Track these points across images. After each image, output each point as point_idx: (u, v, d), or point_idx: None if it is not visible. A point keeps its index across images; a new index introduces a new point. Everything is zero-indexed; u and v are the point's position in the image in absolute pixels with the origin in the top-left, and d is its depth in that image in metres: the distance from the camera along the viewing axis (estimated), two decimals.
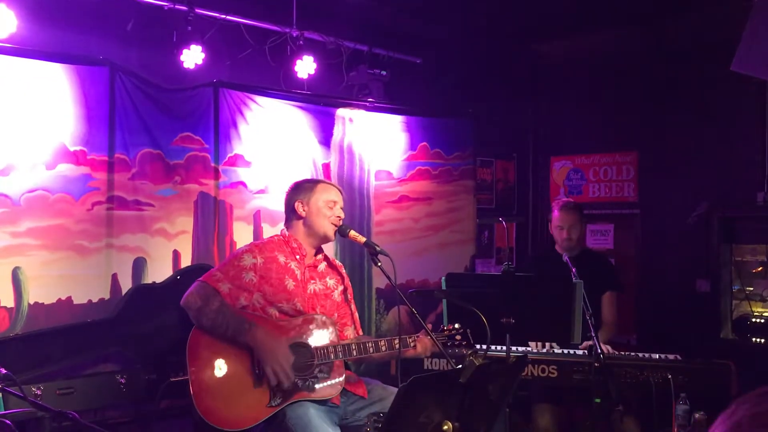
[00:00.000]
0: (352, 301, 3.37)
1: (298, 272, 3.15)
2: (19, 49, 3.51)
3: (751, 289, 5.09)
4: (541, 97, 6.35)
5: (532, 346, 3.89)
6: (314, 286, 3.19)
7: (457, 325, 3.19)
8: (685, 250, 5.40)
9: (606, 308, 4.18)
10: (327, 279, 3.26)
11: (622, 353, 3.84)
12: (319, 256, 3.28)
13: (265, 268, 3.08)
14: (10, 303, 3.48)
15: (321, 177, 4.63)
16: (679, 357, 3.68)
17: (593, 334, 3.43)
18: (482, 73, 5.81)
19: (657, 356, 3.70)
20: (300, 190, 3.23)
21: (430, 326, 3.09)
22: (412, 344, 3.13)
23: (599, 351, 3.42)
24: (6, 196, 3.47)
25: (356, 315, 3.37)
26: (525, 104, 6.35)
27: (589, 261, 4.19)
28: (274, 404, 2.88)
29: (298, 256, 3.18)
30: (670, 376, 3.51)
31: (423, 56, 5.44)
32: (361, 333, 3.37)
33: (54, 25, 3.78)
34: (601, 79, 5.95)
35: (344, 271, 3.40)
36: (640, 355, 3.75)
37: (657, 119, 5.67)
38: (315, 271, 3.24)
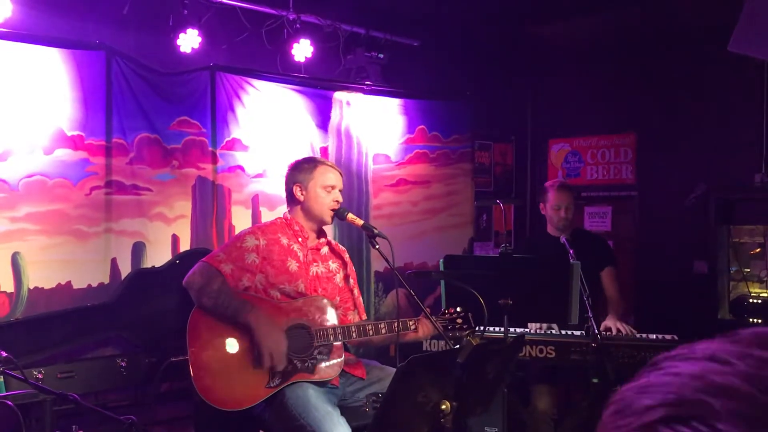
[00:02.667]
0: (356, 286, 3.38)
1: (300, 254, 3.16)
2: (15, 33, 3.51)
3: (749, 270, 5.10)
4: (540, 79, 6.34)
5: (532, 328, 3.91)
6: (316, 269, 3.20)
7: (458, 309, 3.20)
8: (683, 232, 5.41)
9: (608, 285, 4.19)
10: (329, 262, 3.27)
11: (620, 334, 3.86)
12: (322, 240, 3.29)
13: (267, 249, 3.09)
14: (9, 288, 3.50)
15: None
16: (676, 337, 3.70)
17: (590, 315, 3.45)
18: (480, 56, 5.79)
19: (654, 336, 3.73)
20: (298, 171, 3.22)
21: (429, 309, 3.10)
22: (412, 327, 3.14)
23: (596, 331, 3.44)
24: (4, 181, 3.47)
25: (360, 300, 3.38)
26: (523, 87, 6.34)
27: (583, 240, 4.20)
28: (273, 385, 2.90)
29: (300, 239, 3.19)
30: None
31: (421, 39, 5.41)
32: (364, 317, 3.38)
33: (50, 9, 3.77)
34: (599, 61, 5.94)
35: (347, 256, 3.40)
36: (638, 335, 3.77)
37: (655, 101, 5.67)
38: (318, 253, 3.24)
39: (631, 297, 5.58)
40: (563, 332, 3.84)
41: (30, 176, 3.56)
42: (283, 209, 3.35)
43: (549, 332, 3.86)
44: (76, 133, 3.71)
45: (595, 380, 3.43)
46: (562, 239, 3.85)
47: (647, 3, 5.22)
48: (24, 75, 3.54)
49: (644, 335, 3.76)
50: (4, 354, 2.25)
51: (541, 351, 3.71)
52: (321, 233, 3.30)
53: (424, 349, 3.84)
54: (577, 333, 3.80)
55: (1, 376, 2.89)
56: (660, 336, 3.73)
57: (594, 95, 5.96)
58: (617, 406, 0.55)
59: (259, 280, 3.06)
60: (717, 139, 5.32)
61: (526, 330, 3.89)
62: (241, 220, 4.35)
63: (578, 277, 3.35)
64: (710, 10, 4.99)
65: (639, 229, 5.87)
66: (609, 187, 6.02)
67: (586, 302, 3.45)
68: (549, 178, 6.34)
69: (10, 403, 2.26)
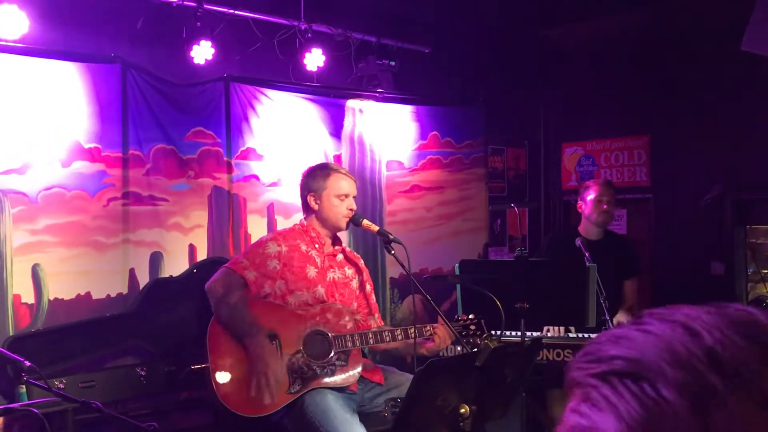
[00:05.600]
0: (373, 292, 3.42)
1: (318, 260, 3.21)
2: (31, 49, 3.56)
3: (766, 271, 5.07)
4: (551, 83, 6.34)
5: (549, 331, 3.89)
6: (333, 275, 3.24)
7: (471, 316, 3.21)
8: (699, 234, 5.39)
9: (629, 293, 4.19)
10: (345, 269, 3.31)
11: None
12: (338, 247, 3.32)
13: (288, 256, 3.13)
14: (30, 299, 3.54)
15: None
16: None
17: (607, 318, 3.45)
18: (492, 61, 5.80)
19: None
20: (312, 180, 3.26)
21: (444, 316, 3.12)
22: (428, 334, 3.16)
23: None
24: (23, 194, 3.51)
25: (377, 306, 3.41)
26: (535, 91, 6.33)
27: (612, 245, 4.17)
28: (293, 391, 2.92)
29: (317, 245, 3.23)
30: None
31: (432, 45, 5.44)
32: (382, 324, 3.41)
33: (65, 24, 3.82)
34: (611, 63, 5.93)
35: (362, 263, 3.43)
36: None
37: (668, 102, 5.65)
38: (334, 260, 3.28)
39: (647, 299, 5.56)
40: (580, 335, 3.83)
41: (48, 189, 3.60)
42: (297, 217, 3.39)
43: (566, 335, 3.85)
44: (93, 145, 3.75)
45: None
46: (578, 242, 3.84)
47: (658, 4, 5.21)
48: (41, 89, 3.58)
49: None
50: (28, 363, 2.28)
51: (558, 354, 3.71)
52: (336, 240, 3.34)
53: (440, 353, 3.83)
54: (594, 336, 3.78)
55: (24, 386, 2.93)
56: None
57: (606, 98, 5.95)
58: (588, 349, 0.57)
59: (279, 286, 3.10)
60: (732, 140, 5.29)
61: (543, 334, 3.88)
62: (256, 228, 4.38)
63: (594, 280, 3.35)
64: (723, 9, 4.98)
65: (654, 231, 5.85)
66: (623, 189, 5.98)
67: (603, 305, 3.45)
68: (563, 182, 6.34)
69: (35, 410, 2.28)
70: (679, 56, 5.54)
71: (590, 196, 4.15)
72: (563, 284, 3.40)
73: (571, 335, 3.85)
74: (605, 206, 4.11)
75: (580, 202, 4.25)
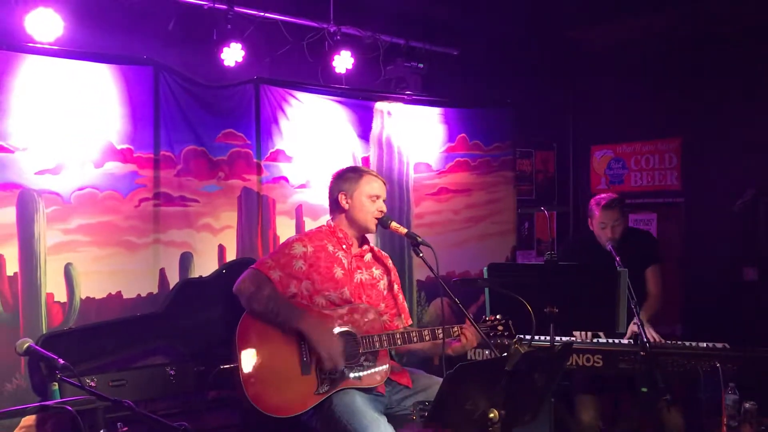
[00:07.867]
0: (401, 292, 3.42)
1: (345, 261, 3.21)
2: (66, 51, 3.61)
3: None
4: (581, 85, 6.29)
5: (580, 336, 3.86)
6: (361, 276, 3.24)
7: (498, 316, 3.20)
8: (731, 238, 5.31)
9: (651, 282, 4.09)
10: (373, 269, 3.31)
11: (669, 342, 3.80)
12: (365, 247, 3.33)
13: (314, 256, 3.14)
14: (63, 298, 3.59)
15: None
16: (727, 345, 3.62)
17: (638, 323, 3.41)
18: (520, 63, 5.77)
19: (704, 345, 3.65)
20: (343, 180, 3.27)
21: (472, 316, 3.10)
22: (456, 334, 3.15)
23: (645, 339, 3.39)
24: (57, 194, 3.57)
25: (405, 305, 3.41)
26: (564, 93, 6.29)
27: (632, 240, 4.11)
28: (321, 391, 2.93)
29: (344, 246, 3.24)
30: (718, 365, 3.46)
31: (460, 47, 5.43)
32: (410, 322, 3.41)
33: (98, 26, 3.87)
34: (641, 65, 5.86)
35: (390, 263, 3.43)
36: (687, 343, 3.70)
37: (700, 105, 5.57)
38: (361, 260, 3.29)
39: (678, 304, 5.49)
40: (610, 341, 3.79)
41: (81, 189, 3.65)
42: (326, 219, 3.40)
43: (596, 341, 3.81)
44: (125, 146, 3.80)
45: (643, 389, 3.37)
46: (608, 246, 3.80)
47: (690, 4, 5.14)
48: (75, 91, 3.63)
49: (694, 343, 3.69)
50: (62, 361, 2.31)
51: (588, 360, 3.67)
52: (364, 240, 3.34)
53: (469, 357, 3.82)
54: (625, 341, 3.75)
55: (57, 384, 2.97)
56: (710, 344, 3.65)
57: (636, 100, 5.88)
58: None
59: (306, 287, 3.11)
60: (765, 143, 5.20)
61: (572, 339, 3.85)
62: (285, 230, 4.40)
63: (626, 285, 3.31)
64: (756, 10, 4.91)
65: (685, 236, 5.77)
66: (654, 193, 5.93)
67: (634, 310, 3.41)
68: (592, 186, 6.28)
69: (70, 408, 2.32)
70: (711, 58, 5.45)
71: (594, 218, 4.10)
72: (593, 289, 3.36)
73: (600, 340, 3.81)
74: (608, 232, 4.00)
75: (589, 219, 4.20)
